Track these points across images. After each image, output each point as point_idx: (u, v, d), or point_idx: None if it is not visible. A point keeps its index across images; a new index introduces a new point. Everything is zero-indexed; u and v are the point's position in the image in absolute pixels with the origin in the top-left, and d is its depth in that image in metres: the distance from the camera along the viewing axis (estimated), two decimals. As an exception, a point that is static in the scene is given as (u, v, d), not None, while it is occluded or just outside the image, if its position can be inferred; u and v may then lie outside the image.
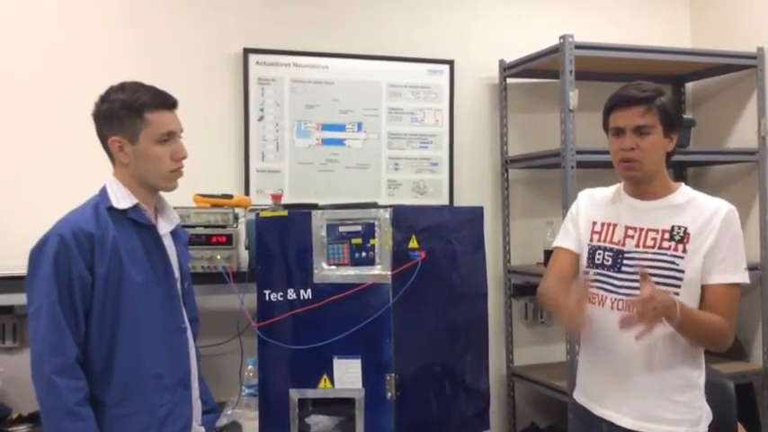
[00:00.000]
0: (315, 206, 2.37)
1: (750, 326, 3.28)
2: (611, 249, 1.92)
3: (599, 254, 1.94)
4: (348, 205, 2.33)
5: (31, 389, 1.70)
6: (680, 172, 3.58)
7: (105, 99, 1.79)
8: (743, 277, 1.86)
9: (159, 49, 2.82)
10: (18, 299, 2.31)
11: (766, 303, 3.18)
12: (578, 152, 2.84)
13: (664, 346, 1.85)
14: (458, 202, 3.20)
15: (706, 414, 1.91)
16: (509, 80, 3.27)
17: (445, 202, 3.20)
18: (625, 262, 1.88)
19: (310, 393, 2.19)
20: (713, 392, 2.58)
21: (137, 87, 1.79)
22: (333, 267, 2.18)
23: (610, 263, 1.91)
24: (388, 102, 3.13)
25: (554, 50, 2.91)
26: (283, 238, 2.23)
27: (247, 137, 2.94)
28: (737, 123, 3.35)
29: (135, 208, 1.79)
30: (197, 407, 1.94)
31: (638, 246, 1.88)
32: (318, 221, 2.19)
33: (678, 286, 1.82)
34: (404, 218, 2.20)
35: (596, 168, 3.25)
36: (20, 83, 2.67)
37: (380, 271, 2.16)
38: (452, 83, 3.20)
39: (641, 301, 1.68)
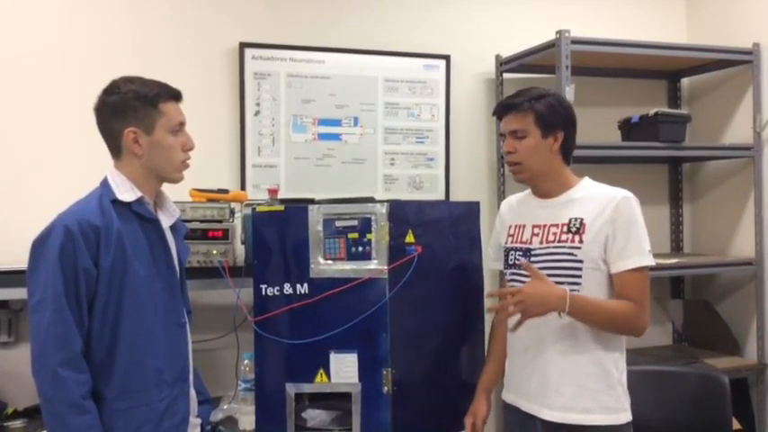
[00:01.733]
0: (311, 201, 2.37)
1: (744, 320, 3.29)
2: (520, 249, 2.05)
3: (511, 254, 2.07)
4: (345, 200, 2.33)
5: (26, 384, 1.70)
6: (675, 168, 3.59)
7: (114, 91, 1.78)
8: (645, 260, 1.91)
9: (154, 44, 2.81)
10: (13, 293, 2.31)
11: (761, 298, 3.19)
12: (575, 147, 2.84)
13: (573, 334, 1.92)
14: (454, 198, 3.20)
15: (626, 404, 1.96)
16: (505, 75, 3.27)
17: (441, 197, 3.20)
18: (532, 259, 1.98)
19: (307, 388, 2.19)
20: (708, 387, 2.61)
21: (144, 80, 1.80)
22: (329, 262, 2.18)
23: (512, 261, 2.05)
24: (385, 97, 3.12)
25: (550, 45, 2.90)
26: (280, 232, 2.23)
27: (243, 132, 2.94)
28: (733, 119, 3.35)
29: (139, 201, 1.78)
30: (193, 399, 1.95)
31: (542, 242, 1.99)
32: (315, 216, 2.19)
33: (579, 276, 1.91)
34: (400, 212, 2.19)
35: (592, 164, 3.25)
36: (17, 77, 2.66)
37: (377, 265, 2.16)
38: (449, 78, 3.20)
39: (508, 293, 1.86)
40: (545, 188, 2.03)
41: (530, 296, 1.83)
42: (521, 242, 2.05)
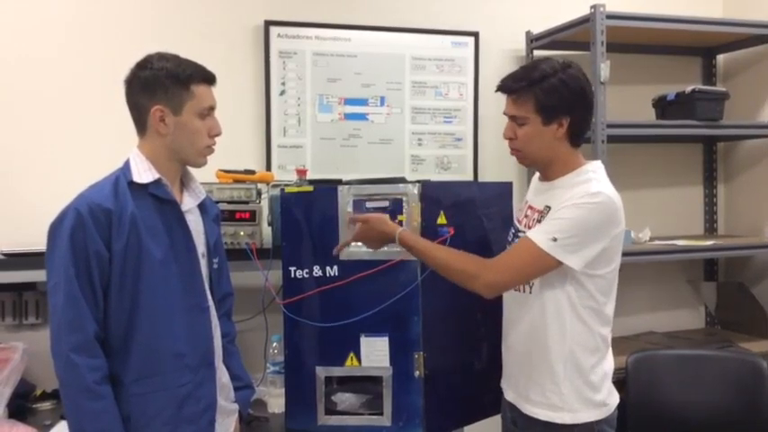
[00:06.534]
0: (340, 181, 2.32)
1: (780, 303, 3.22)
2: (514, 227, 2.02)
3: (510, 231, 2.05)
4: (375, 180, 2.27)
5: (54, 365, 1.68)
6: (710, 147, 3.50)
7: (147, 66, 1.75)
8: (539, 237, 1.77)
9: (177, 22, 2.77)
10: (40, 275, 2.27)
11: (798, 281, 3.12)
12: (609, 126, 2.77)
13: (533, 325, 1.87)
14: (482, 178, 3.14)
15: (576, 406, 1.84)
16: (536, 53, 3.17)
17: (469, 177, 3.14)
18: (515, 240, 1.95)
19: (337, 371, 2.16)
20: (745, 371, 2.56)
21: (179, 58, 1.77)
22: (359, 244, 2.13)
23: (510, 239, 2.02)
24: (412, 75, 3.06)
25: (584, 21, 2.82)
26: (309, 213, 2.18)
27: (269, 112, 2.89)
28: (770, 97, 3.26)
29: (156, 183, 1.75)
30: (225, 385, 1.92)
31: (524, 226, 1.93)
32: (345, 197, 2.14)
33: None
34: (432, 193, 2.14)
35: (627, 143, 3.18)
36: (39, 57, 2.63)
37: (408, 247, 2.11)
38: (477, 55, 3.12)
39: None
40: (546, 172, 1.93)
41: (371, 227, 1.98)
42: (517, 220, 2.02)
